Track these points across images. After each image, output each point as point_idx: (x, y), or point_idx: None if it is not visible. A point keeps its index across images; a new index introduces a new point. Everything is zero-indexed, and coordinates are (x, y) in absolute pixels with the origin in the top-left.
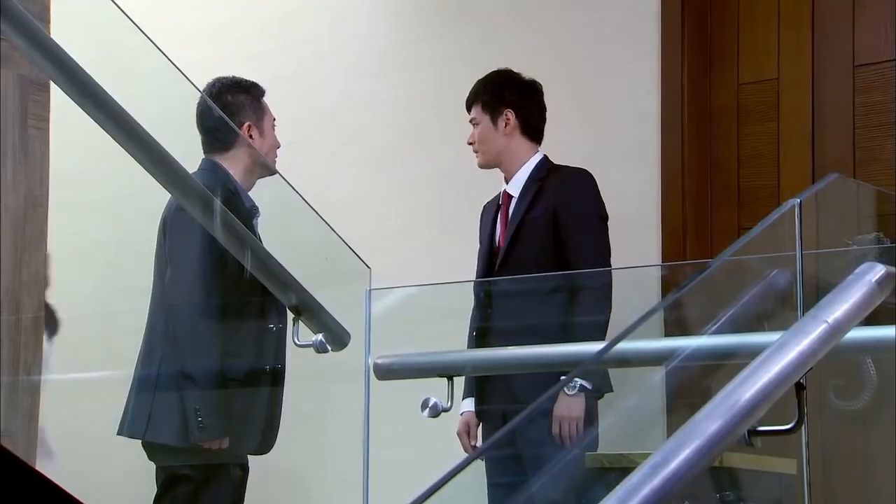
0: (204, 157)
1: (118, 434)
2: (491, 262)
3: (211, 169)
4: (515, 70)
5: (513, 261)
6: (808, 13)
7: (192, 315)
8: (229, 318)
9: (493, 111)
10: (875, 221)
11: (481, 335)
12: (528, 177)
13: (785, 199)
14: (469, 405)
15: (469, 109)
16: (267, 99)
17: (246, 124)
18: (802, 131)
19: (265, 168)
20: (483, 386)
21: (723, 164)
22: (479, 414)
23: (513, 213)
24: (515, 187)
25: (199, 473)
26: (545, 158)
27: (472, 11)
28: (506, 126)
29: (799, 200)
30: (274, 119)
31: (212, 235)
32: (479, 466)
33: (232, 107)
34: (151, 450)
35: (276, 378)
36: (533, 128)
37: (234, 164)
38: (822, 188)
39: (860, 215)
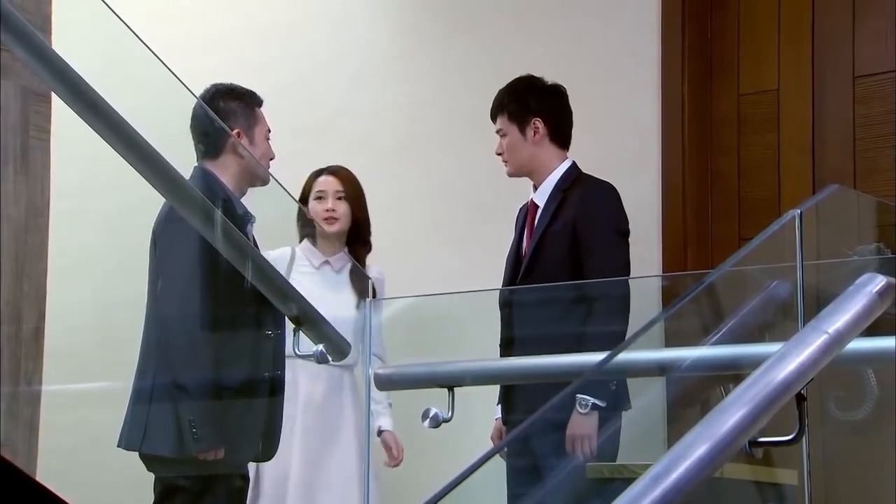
0: (196, 164)
1: (118, 446)
2: (516, 271)
3: (201, 177)
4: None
5: (535, 272)
6: (808, 24)
7: (184, 325)
8: (222, 327)
9: (521, 121)
10: (876, 232)
11: (504, 345)
12: (555, 186)
13: (785, 209)
14: (500, 411)
15: (494, 120)
16: (267, 109)
17: (235, 131)
18: (803, 142)
19: (256, 176)
20: (506, 394)
21: (723, 174)
22: (504, 422)
23: (537, 225)
24: (541, 197)
25: (194, 484)
26: (573, 166)
27: (471, 22)
28: (535, 135)
29: (799, 211)
30: (269, 130)
31: (202, 245)
32: (501, 477)
33: (222, 113)
34: (149, 461)
35: (275, 385)
36: (561, 134)
37: (224, 172)
38: (823, 199)
39: (861, 226)
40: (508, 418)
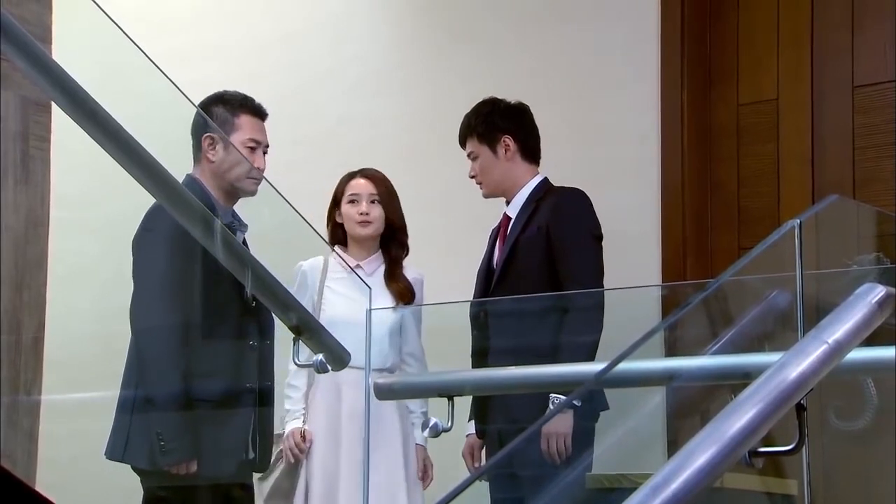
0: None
1: (104, 454)
2: (487, 282)
3: (188, 184)
4: (513, 91)
5: (508, 281)
6: (807, 34)
7: (152, 337)
8: (196, 339)
9: (491, 140)
10: (875, 242)
11: (476, 356)
12: (527, 198)
13: (785, 219)
14: (473, 427)
15: (464, 145)
16: (268, 119)
17: (206, 136)
18: (802, 152)
19: (231, 183)
20: (483, 406)
21: (722, 184)
22: (481, 434)
23: (509, 234)
24: (514, 209)
25: (175, 495)
26: (545, 180)
27: (471, 32)
28: (506, 152)
29: (799, 221)
30: (256, 140)
31: (172, 255)
32: (483, 489)
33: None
34: (138, 472)
35: (263, 396)
36: (531, 149)
37: (204, 178)
38: (823, 209)
39: (860, 236)
40: (486, 428)
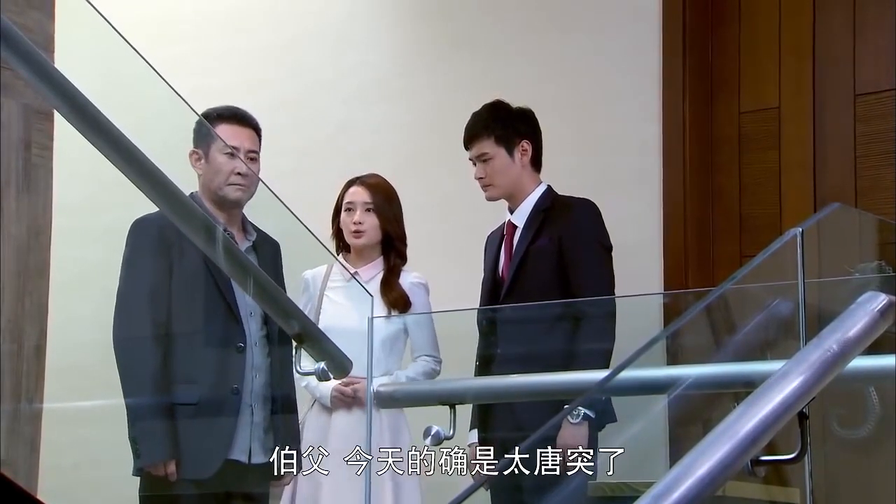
0: None
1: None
2: (494, 292)
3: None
4: (515, 99)
5: (517, 291)
6: (809, 42)
7: (122, 340)
8: (172, 343)
9: (509, 143)
10: (877, 250)
11: (484, 364)
12: (533, 207)
13: (786, 227)
14: (475, 437)
15: (470, 146)
16: (268, 126)
17: (191, 151)
18: (804, 160)
19: (216, 193)
20: (487, 413)
21: (724, 192)
22: (484, 442)
23: (517, 244)
24: (520, 217)
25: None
26: (549, 188)
27: (473, 40)
28: (522, 156)
29: (801, 229)
30: (233, 146)
31: (144, 260)
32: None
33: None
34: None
35: (278, 404)
36: (540, 156)
37: (201, 193)
38: (824, 217)
39: (862, 244)
40: (489, 437)
